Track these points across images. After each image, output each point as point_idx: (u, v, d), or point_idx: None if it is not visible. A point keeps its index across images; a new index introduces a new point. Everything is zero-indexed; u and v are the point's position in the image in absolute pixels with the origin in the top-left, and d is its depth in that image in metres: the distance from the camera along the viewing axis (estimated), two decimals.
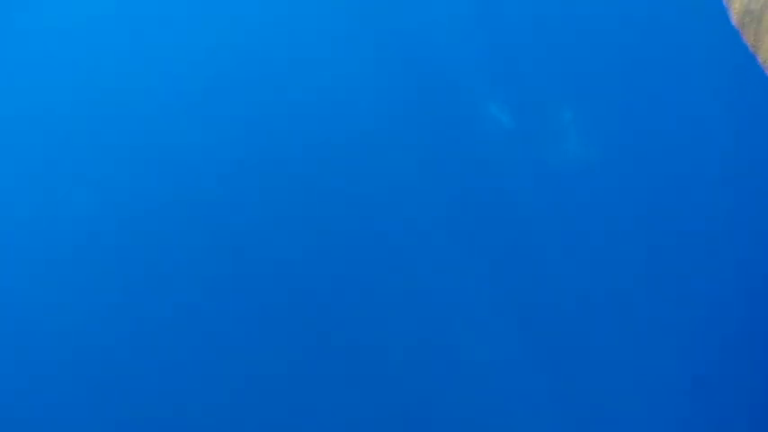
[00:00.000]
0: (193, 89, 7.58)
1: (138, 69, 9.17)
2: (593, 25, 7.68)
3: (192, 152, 9.14)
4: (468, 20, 7.73)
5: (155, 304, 7.21)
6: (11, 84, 8.48)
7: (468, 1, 9.08)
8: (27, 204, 8.04)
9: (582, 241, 7.68)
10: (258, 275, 7.32)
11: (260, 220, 6.93)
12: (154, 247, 7.75)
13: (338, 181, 7.04)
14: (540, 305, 7.53)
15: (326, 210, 6.96)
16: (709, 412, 6.81)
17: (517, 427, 7.66)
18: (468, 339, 7.26)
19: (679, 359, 8.10)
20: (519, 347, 7.05)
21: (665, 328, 7.86)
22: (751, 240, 9.10)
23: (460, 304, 7.43)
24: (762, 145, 10.39)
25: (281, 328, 8.23)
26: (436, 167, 7.39)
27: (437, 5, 8.62)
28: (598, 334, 7.65)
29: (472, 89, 7.27)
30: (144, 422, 7.33)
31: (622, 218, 7.86)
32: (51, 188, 8.68)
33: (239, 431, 7.75)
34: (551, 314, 7.21)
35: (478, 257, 7.23)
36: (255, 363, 7.97)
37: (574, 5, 8.94)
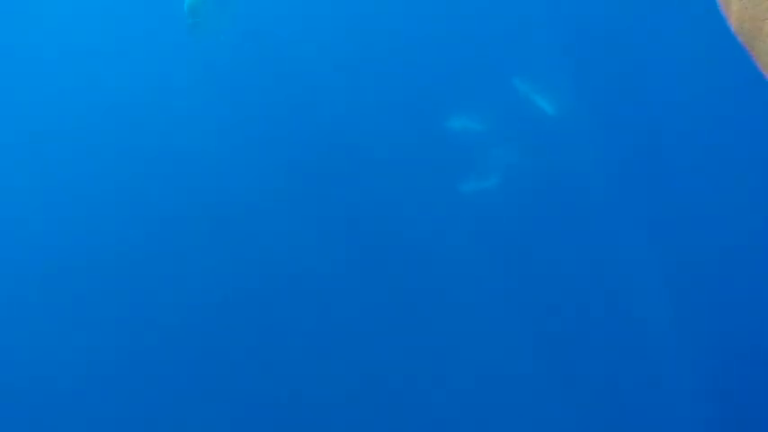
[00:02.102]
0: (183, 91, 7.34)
1: (133, 69, 8.98)
2: (578, 25, 7.12)
3: (189, 151, 9.01)
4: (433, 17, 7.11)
5: (156, 306, 7.13)
6: (10, 84, 8.36)
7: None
8: (26, 206, 7.94)
9: (578, 250, 7.45)
10: (259, 278, 7.21)
11: (252, 221, 6.79)
12: (154, 248, 7.63)
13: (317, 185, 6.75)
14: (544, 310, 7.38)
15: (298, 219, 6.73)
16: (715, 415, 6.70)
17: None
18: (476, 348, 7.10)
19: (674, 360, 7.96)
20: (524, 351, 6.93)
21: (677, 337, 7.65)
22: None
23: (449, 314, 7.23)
24: (761, 151, 10.15)
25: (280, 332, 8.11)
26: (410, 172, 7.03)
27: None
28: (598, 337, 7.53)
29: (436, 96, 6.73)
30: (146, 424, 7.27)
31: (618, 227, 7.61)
32: (51, 189, 8.58)
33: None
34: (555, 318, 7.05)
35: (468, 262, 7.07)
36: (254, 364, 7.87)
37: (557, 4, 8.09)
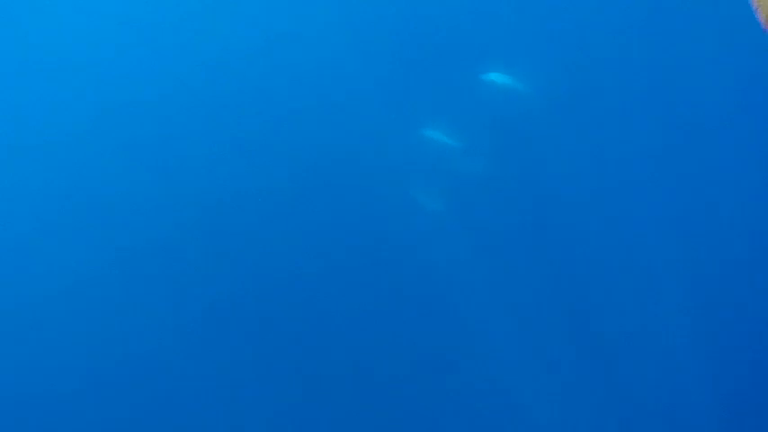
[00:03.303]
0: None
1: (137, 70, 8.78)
2: (591, 20, 6.16)
3: (190, 153, 8.82)
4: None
5: (153, 306, 7.03)
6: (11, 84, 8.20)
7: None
8: (28, 206, 7.86)
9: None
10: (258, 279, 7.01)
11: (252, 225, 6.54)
12: (151, 249, 7.50)
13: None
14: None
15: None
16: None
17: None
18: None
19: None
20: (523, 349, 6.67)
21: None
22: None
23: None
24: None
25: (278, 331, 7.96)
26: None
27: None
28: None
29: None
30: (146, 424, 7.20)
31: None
32: (52, 189, 8.47)
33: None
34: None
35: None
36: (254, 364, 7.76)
37: None
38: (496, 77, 6.70)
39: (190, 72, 7.18)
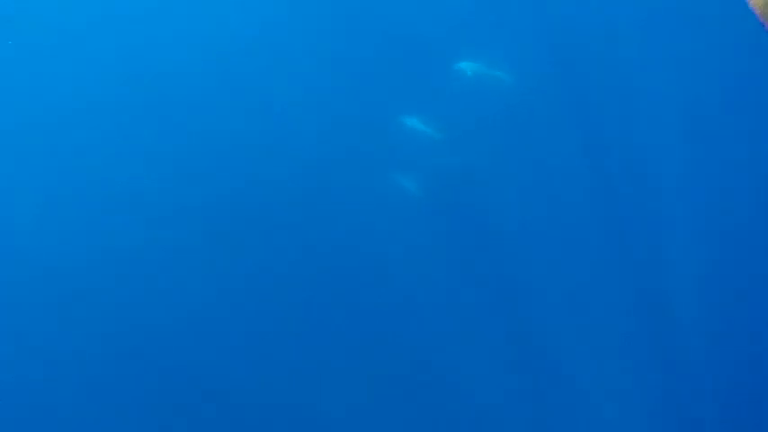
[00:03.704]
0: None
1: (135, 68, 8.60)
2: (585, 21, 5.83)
3: (191, 152, 8.69)
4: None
5: (149, 306, 6.93)
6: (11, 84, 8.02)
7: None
8: (28, 206, 7.72)
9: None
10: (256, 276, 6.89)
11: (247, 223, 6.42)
12: (149, 249, 7.37)
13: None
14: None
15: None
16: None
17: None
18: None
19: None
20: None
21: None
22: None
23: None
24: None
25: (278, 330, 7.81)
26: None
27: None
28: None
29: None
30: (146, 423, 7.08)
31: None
32: (52, 188, 8.31)
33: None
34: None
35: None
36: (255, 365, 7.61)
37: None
38: (476, 67, 6.68)
39: (182, 66, 7.18)
